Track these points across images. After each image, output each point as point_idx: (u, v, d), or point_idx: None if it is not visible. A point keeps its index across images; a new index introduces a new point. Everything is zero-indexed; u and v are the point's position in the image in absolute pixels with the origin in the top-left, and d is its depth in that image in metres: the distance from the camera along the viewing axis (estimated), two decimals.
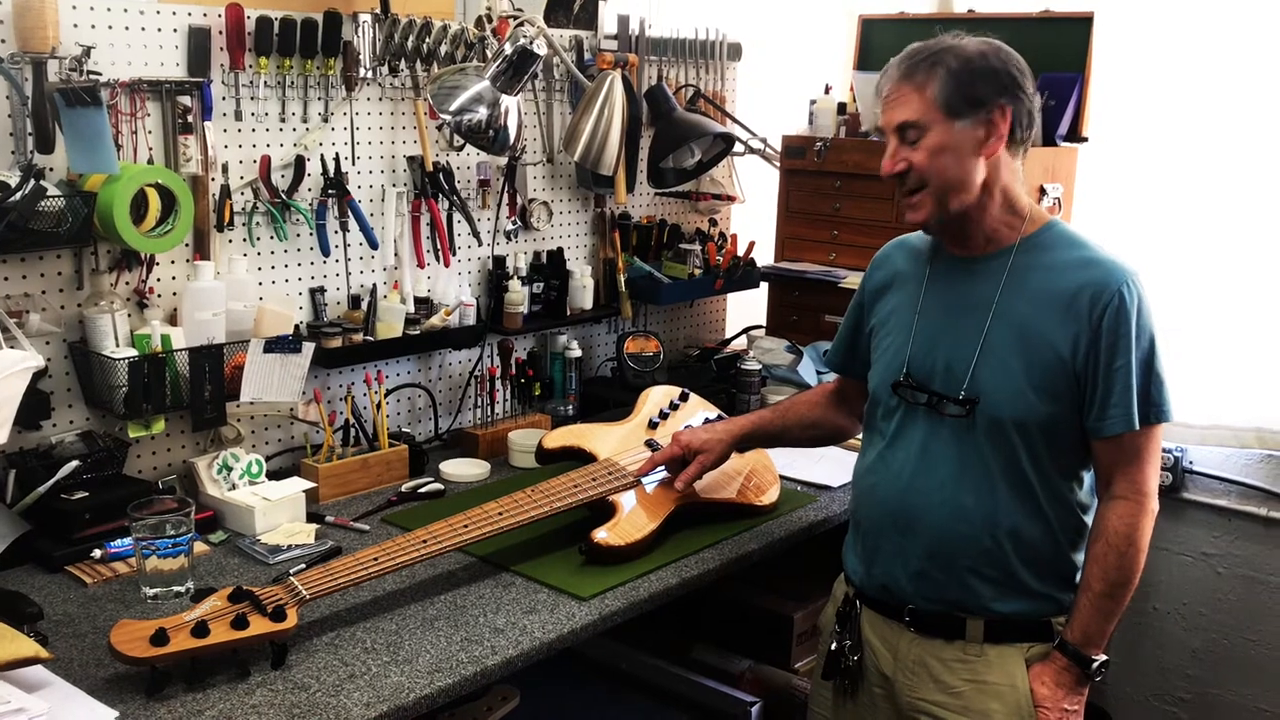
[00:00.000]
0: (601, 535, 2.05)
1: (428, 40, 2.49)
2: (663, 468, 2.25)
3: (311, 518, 2.22)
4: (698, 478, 2.18)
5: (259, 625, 1.64)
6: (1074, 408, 1.76)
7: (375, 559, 1.84)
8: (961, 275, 1.85)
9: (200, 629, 1.60)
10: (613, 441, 2.34)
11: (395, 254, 2.59)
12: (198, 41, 2.20)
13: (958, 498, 1.80)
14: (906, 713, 1.88)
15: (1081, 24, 2.93)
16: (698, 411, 2.53)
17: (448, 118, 2.43)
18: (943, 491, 1.81)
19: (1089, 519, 1.83)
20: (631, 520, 2.11)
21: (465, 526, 1.96)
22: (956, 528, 1.80)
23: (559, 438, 2.35)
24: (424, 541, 1.90)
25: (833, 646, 1.97)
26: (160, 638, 1.57)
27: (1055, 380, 1.75)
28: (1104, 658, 1.79)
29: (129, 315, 2.16)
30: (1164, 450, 2.98)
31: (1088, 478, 1.84)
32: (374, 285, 2.56)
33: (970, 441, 1.79)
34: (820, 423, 2.19)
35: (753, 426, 2.21)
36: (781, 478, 2.47)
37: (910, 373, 1.85)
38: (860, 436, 2.05)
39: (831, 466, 2.56)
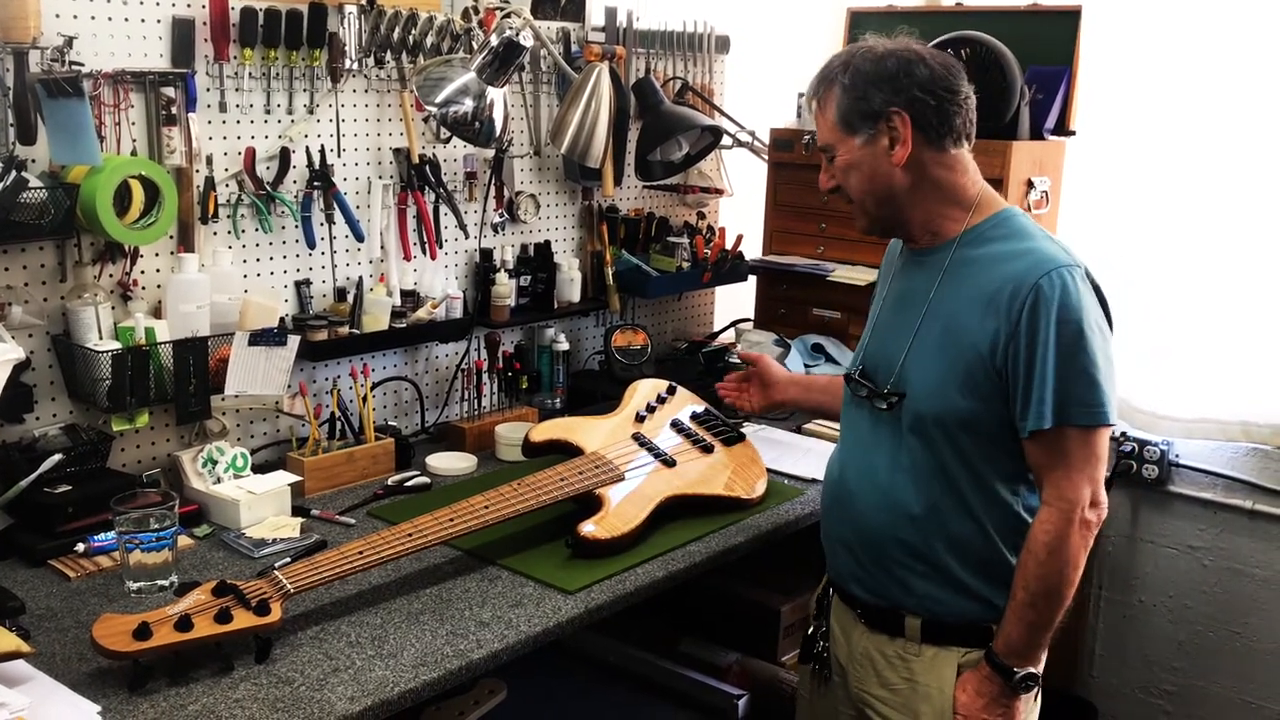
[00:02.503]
0: (588, 529, 2.05)
1: (414, 32, 2.48)
2: (650, 461, 2.26)
3: (297, 511, 2.22)
4: (759, 402, 2.38)
5: (243, 619, 1.64)
6: (1003, 406, 1.71)
7: (360, 552, 1.83)
8: (913, 269, 1.87)
9: (183, 623, 1.59)
10: (600, 435, 2.34)
11: (381, 246, 2.57)
12: (182, 32, 2.19)
13: (887, 490, 1.81)
14: (855, 703, 1.92)
15: (1069, 17, 2.93)
16: (685, 405, 2.53)
17: (434, 110, 2.42)
18: (874, 483, 1.83)
19: None
20: (618, 514, 2.11)
21: (451, 520, 1.95)
22: (882, 518, 1.82)
23: (546, 431, 2.34)
24: (409, 535, 1.89)
25: (809, 632, 2.03)
26: (143, 632, 1.56)
27: (976, 378, 1.71)
28: (1030, 671, 1.73)
29: (112, 308, 2.14)
30: (1151, 444, 2.99)
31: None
32: (360, 278, 2.55)
33: (901, 438, 1.80)
34: None
35: (809, 381, 2.39)
36: (769, 471, 2.46)
37: (864, 366, 1.88)
38: None
39: (818, 460, 2.55)
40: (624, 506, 2.14)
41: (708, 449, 2.41)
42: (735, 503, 2.32)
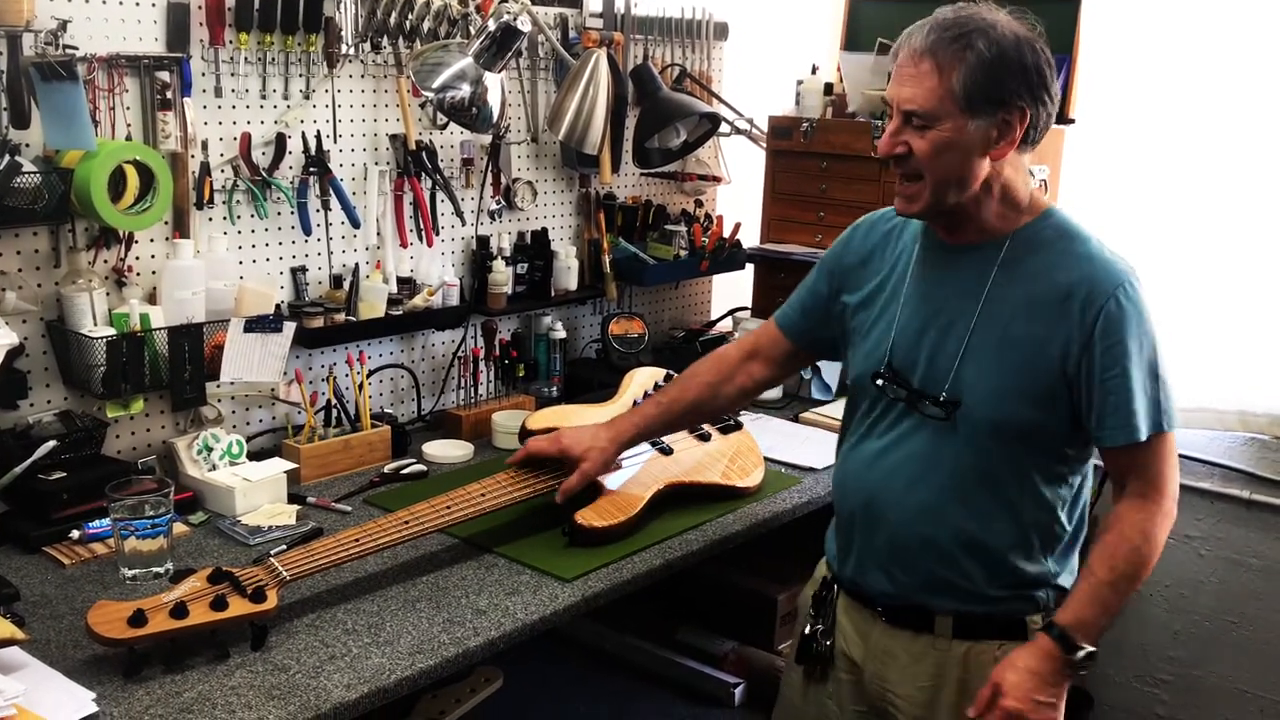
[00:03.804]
0: (585, 517, 2.04)
1: (410, 16, 2.47)
2: (647, 449, 2.25)
3: (293, 499, 2.21)
4: (579, 488, 2.06)
5: (239, 606, 1.63)
6: (1066, 413, 1.68)
7: (356, 540, 1.83)
8: (950, 264, 1.76)
9: (179, 610, 1.58)
10: None
11: (378, 233, 2.56)
12: (177, 16, 2.17)
13: (926, 499, 1.73)
14: (874, 701, 1.84)
15: (1069, 4, 2.92)
16: None
17: (431, 95, 2.41)
18: (912, 492, 1.74)
19: (1069, 524, 1.76)
20: (615, 502, 2.10)
21: (449, 507, 1.95)
22: (921, 530, 1.74)
23: (542, 419, 2.34)
24: (406, 522, 1.89)
25: (806, 630, 1.94)
26: (139, 619, 1.55)
27: (1045, 385, 1.66)
28: (1091, 649, 1.67)
29: (107, 294, 2.13)
30: None
31: (1076, 481, 1.76)
32: (356, 265, 2.54)
33: (947, 444, 1.72)
34: (708, 401, 2.07)
35: (635, 431, 2.10)
36: (766, 460, 2.46)
37: (892, 364, 1.77)
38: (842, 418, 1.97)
39: (816, 448, 2.55)
40: (621, 494, 2.13)
41: (705, 437, 2.41)
42: (732, 491, 2.31)
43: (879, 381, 1.78)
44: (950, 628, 1.76)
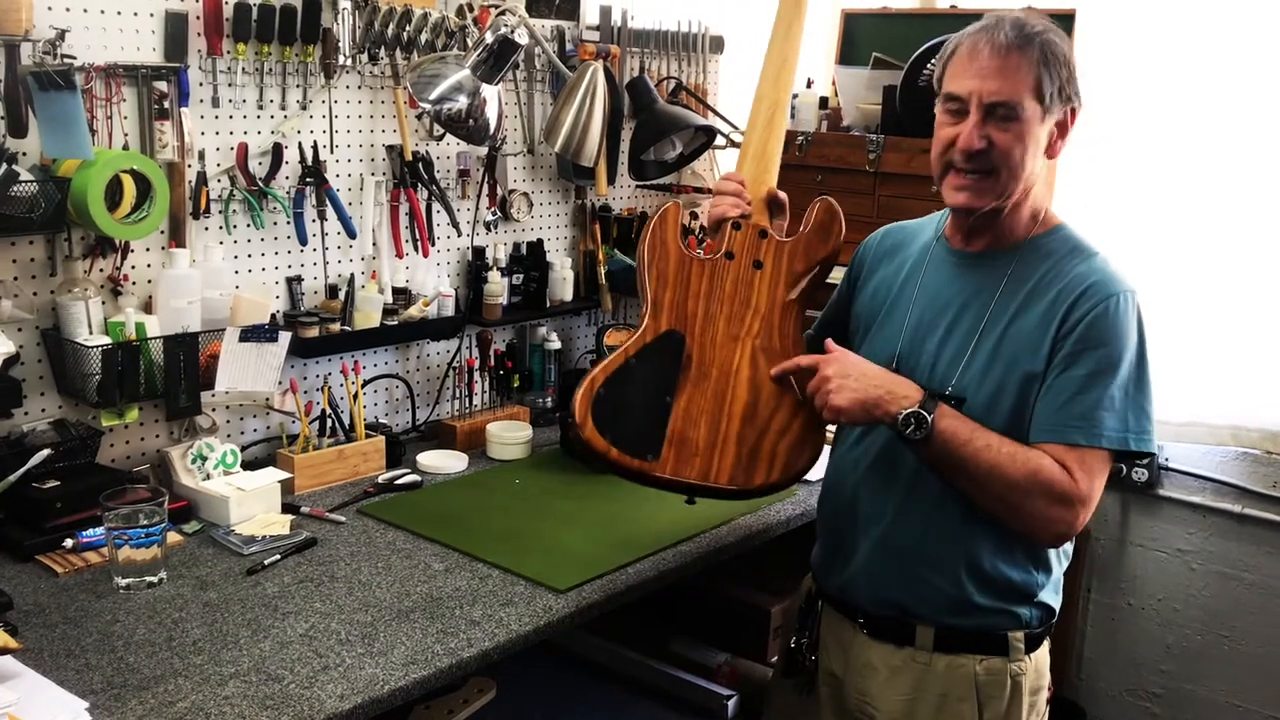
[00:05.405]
0: None
1: (408, 28, 2.48)
2: None
3: (287, 509, 2.21)
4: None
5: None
6: None
7: None
8: (961, 271, 1.77)
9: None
10: None
11: (373, 244, 2.57)
12: (175, 26, 2.18)
13: (915, 505, 1.74)
14: (854, 714, 1.83)
15: (1063, 20, 2.93)
16: None
17: (427, 106, 2.41)
18: (901, 496, 1.75)
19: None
20: None
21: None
22: (909, 533, 1.74)
23: None
24: None
25: (792, 643, 1.94)
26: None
27: (1029, 398, 1.67)
28: (917, 434, 1.62)
29: (103, 302, 2.14)
30: None
31: None
32: (352, 275, 2.54)
33: None
34: None
35: None
36: None
37: (898, 367, 1.77)
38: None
39: None
40: None
41: None
42: None
43: None
44: (931, 640, 1.76)
